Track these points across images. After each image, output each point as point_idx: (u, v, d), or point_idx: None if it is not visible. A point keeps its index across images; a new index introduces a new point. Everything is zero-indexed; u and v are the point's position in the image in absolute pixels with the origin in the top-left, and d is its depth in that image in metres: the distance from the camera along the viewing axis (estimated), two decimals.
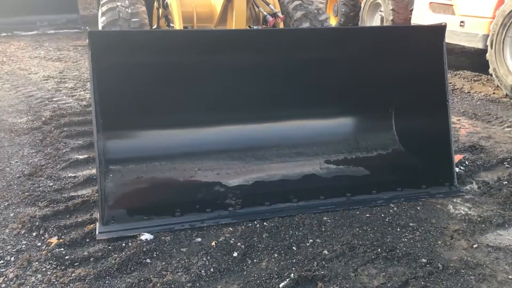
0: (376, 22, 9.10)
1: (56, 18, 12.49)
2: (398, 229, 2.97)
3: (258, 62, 3.63)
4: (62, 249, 2.76)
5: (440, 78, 3.48)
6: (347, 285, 2.45)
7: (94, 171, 3.73)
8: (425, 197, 3.36)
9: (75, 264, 2.63)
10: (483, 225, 3.01)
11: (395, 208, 3.22)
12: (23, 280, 2.49)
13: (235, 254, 2.68)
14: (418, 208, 3.24)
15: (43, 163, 4.01)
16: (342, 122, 4.09)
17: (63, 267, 2.59)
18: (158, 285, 2.43)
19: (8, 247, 2.79)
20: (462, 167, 3.84)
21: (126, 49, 3.12)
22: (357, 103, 4.04)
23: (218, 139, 3.78)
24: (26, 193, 3.44)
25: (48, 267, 2.60)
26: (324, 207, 3.18)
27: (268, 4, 4.63)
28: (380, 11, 8.88)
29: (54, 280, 2.48)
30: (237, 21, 4.20)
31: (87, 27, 11.95)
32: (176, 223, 2.96)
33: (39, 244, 2.83)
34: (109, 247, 2.76)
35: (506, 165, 3.95)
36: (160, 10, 5.37)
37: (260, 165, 3.69)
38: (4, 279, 2.50)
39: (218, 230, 2.96)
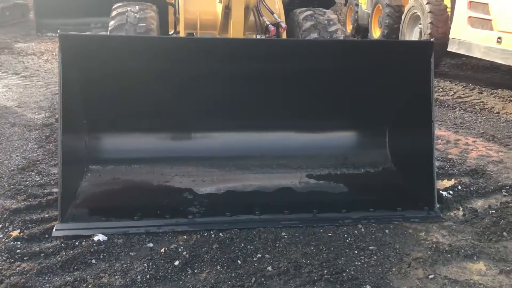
0: (415, 35, 8.78)
1: (108, 20, 13.01)
2: (356, 252, 2.84)
3: (245, 70, 3.58)
4: (18, 242, 2.86)
5: (426, 96, 3.31)
6: None
7: None
8: (398, 220, 3.19)
9: (24, 258, 2.71)
10: (449, 255, 2.81)
11: (362, 230, 3.08)
12: None
13: (176, 262, 2.67)
14: (387, 231, 3.08)
15: (39, 158, 4.18)
16: (332, 136, 3.96)
17: (12, 260, 2.68)
18: (90, 286, 2.46)
19: None
20: (451, 192, 3.62)
21: (101, 54, 3.19)
22: (349, 118, 3.92)
23: (202, 145, 3.79)
24: (11, 186, 3.59)
25: None
26: (286, 222, 3.10)
27: (272, 13, 4.59)
28: (420, 24, 8.56)
29: None
30: (235, 29, 4.19)
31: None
32: (132, 227, 2.99)
33: (1, 236, 2.94)
34: (62, 245, 2.83)
35: (504, 193, 3.68)
36: (176, 16, 5.46)
37: (239, 174, 3.65)
38: None
39: (173, 237, 2.96)
